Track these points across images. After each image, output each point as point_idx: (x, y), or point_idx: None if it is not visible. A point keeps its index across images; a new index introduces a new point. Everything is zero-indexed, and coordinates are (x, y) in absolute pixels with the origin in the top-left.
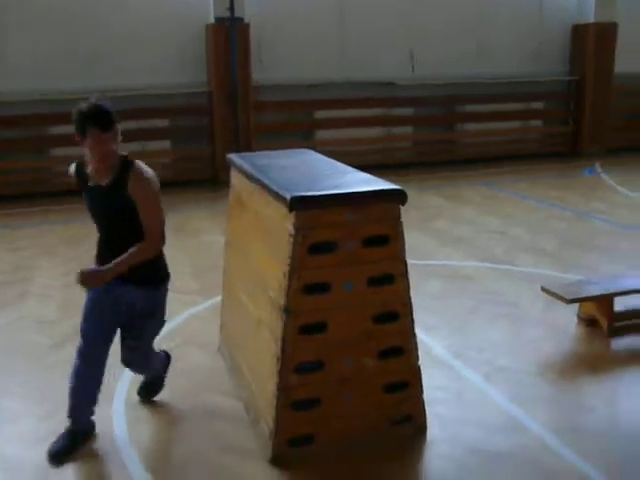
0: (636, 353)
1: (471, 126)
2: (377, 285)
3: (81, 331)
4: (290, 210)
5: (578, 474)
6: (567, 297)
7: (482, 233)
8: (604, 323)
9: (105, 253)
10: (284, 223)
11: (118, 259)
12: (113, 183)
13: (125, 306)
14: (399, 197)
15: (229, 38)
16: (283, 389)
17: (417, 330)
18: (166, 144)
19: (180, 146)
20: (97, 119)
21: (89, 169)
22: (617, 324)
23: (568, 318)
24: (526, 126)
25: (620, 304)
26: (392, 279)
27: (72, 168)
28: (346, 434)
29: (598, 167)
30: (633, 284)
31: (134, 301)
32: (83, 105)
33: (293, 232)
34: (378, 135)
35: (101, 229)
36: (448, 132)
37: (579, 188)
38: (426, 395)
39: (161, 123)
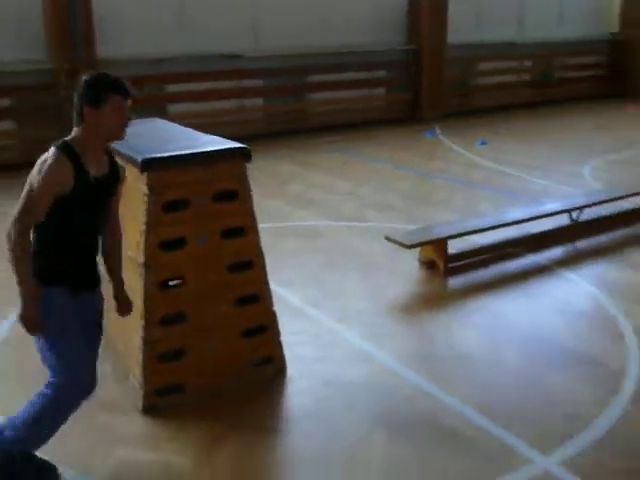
0: (469, 289)
1: (320, 95)
2: (230, 237)
3: (78, 375)
4: (142, 171)
5: (422, 392)
6: (407, 243)
7: (334, 195)
8: (441, 265)
9: (87, 258)
10: (138, 185)
11: (119, 269)
12: (112, 172)
13: (98, 314)
14: (244, 155)
15: (69, 11)
16: (148, 342)
17: (276, 285)
18: (10, 125)
19: (26, 126)
20: (121, 84)
21: (84, 156)
22: (452, 265)
23: (411, 263)
24: (371, 94)
25: (454, 247)
26: (243, 231)
27: (58, 157)
28: (213, 380)
29: (437, 130)
30: (463, 228)
31: (100, 306)
32: (98, 73)
33: (147, 192)
34: (229, 107)
35: (88, 232)
36: (298, 102)
37: (421, 150)
38: (285, 339)
39: (3, 103)
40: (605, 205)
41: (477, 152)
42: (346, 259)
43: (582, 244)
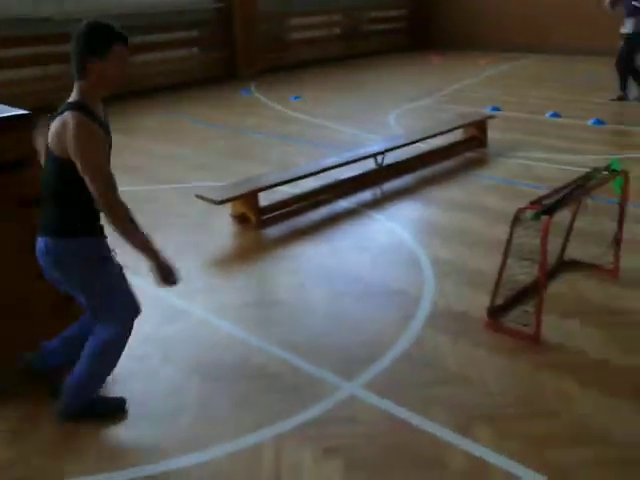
0: (281, 238)
1: (133, 58)
2: (28, 206)
3: (130, 307)
4: None
5: (235, 339)
6: (217, 199)
7: (154, 159)
8: (253, 217)
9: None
10: None
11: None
12: (106, 116)
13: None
14: (27, 122)
15: None
16: None
17: None
18: None
19: None
20: (121, 32)
21: (95, 111)
22: (265, 217)
23: (224, 219)
24: (185, 55)
25: (268, 199)
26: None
27: (87, 121)
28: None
29: (253, 87)
30: (271, 180)
31: None
32: (96, 21)
33: None
34: (34, 75)
35: None
36: None
37: (237, 108)
38: None
39: None
40: (406, 148)
41: (292, 107)
42: (164, 219)
43: (387, 186)
